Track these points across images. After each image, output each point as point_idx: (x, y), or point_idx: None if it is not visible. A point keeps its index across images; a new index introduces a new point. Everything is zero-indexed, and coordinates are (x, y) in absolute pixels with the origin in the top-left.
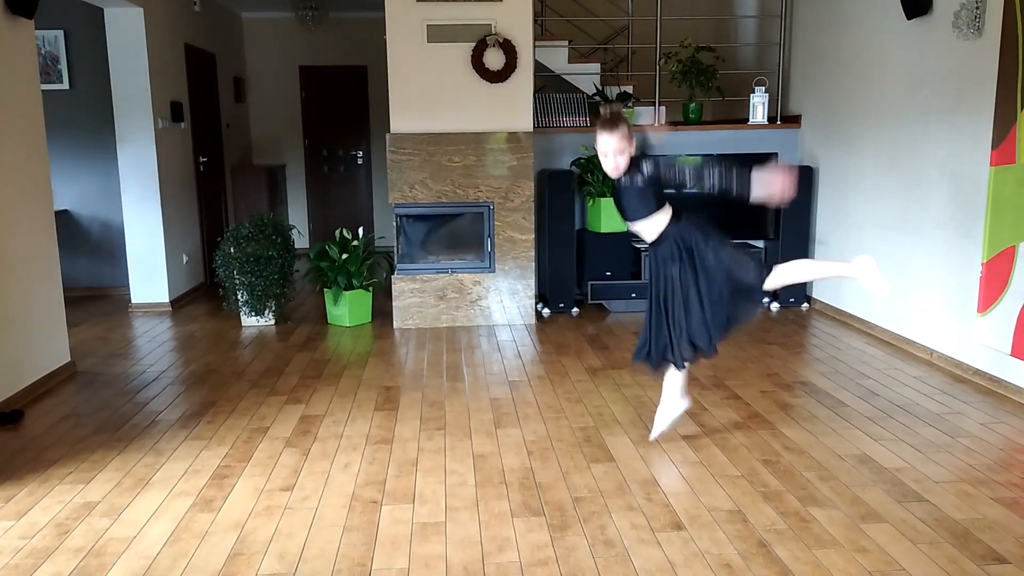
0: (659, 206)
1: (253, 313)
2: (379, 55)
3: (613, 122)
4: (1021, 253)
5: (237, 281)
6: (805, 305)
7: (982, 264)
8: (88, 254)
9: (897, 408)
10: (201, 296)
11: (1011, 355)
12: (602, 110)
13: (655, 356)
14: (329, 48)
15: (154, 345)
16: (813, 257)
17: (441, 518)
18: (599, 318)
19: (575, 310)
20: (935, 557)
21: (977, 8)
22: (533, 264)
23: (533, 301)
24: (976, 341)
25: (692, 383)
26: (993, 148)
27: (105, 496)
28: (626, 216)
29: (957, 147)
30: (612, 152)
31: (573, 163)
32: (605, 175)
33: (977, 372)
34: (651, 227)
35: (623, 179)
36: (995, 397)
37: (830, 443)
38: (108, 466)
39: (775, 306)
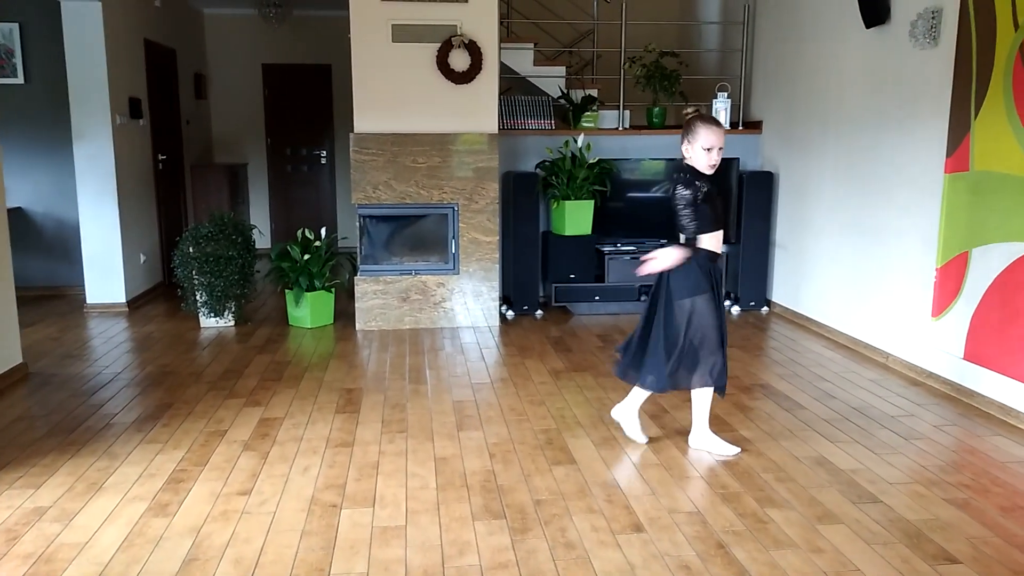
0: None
1: (212, 314)
2: (343, 54)
3: (717, 119)
4: (974, 258)
5: (196, 281)
6: (765, 309)
7: (936, 269)
8: (42, 253)
9: (853, 410)
10: (159, 296)
11: (964, 359)
12: (691, 110)
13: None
14: (293, 46)
15: (110, 346)
16: (773, 262)
17: (401, 521)
18: (563, 320)
19: (539, 312)
20: (889, 557)
21: (933, 18)
22: (498, 266)
23: (497, 303)
24: (930, 345)
25: None
26: (948, 155)
27: (56, 501)
28: (716, 224)
29: (913, 154)
30: (717, 148)
31: (538, 166)
32: (570, 178)
33: (931, 375)
34: (721, 239)
35: (711, 187)
36: (948, 400)
37: (787, 445)
38: (60, 470)
39: (736, 309)
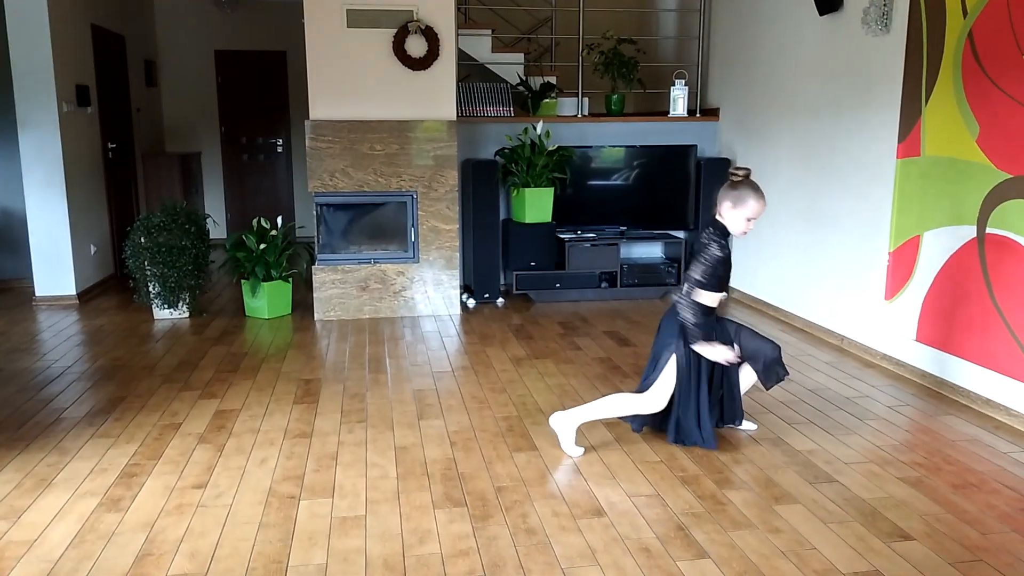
0: None
1: (166, 305)
2: (298, 40)
3: (760, 190)
4: (925, 242)
5: (148, 272)
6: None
7: (889, 253)
8: None
9: (809, 392)
10: (110, 288)
11: (916, 340)
12: (738, 173)
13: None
14: (246, 32)
15: (59, 339)
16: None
17: (361, 511)
18: (524, 308)
19: (500, 300)
20: (844, 536)
21: (885, 5)
22: (458, 254)
23: (458, 292)
24: (884, 327)
25: (615, 371)
26: (899, 141)
27: (3, 498)
28: (721, 287)
29: (866, 140)
30: (756, 218)
31: (497, 153)
32: (529, 165)
33: (885, 357)
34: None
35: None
36: (901, 381)
37: (745, 426)
38: (7, 466)
39: None
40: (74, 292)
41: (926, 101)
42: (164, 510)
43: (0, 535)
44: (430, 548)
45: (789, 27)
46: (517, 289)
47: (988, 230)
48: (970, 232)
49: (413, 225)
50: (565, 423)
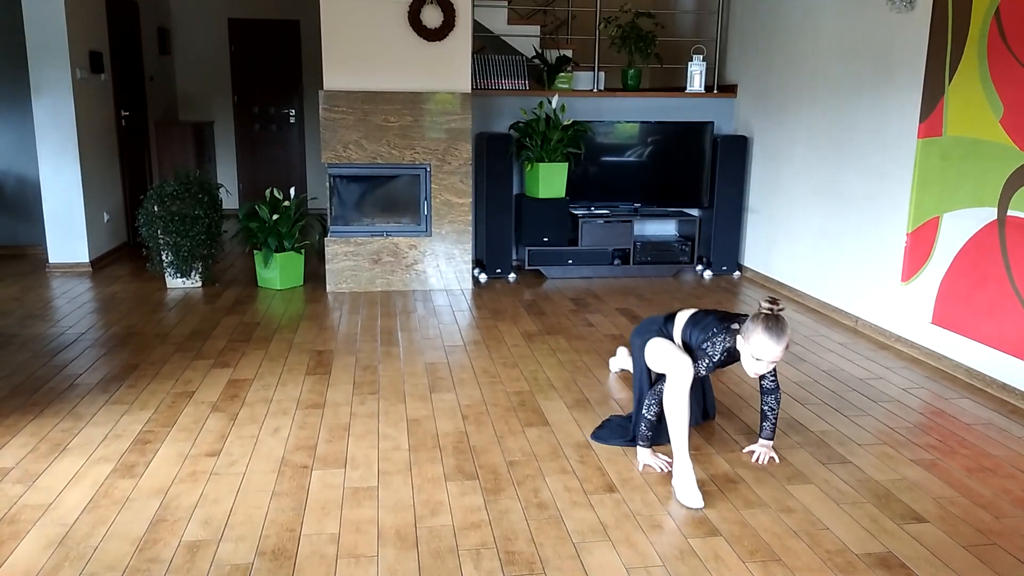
0: None
1: (178, 274)
2: (312, 9)
3: (783, 328)
4: (944, 224)
5: (161, 241)
6: (737, 273)
7: (907, 234)
8: (2, 211)
9: (823, 373)
10: (123, 257)
11: (932, 323)
12: (768, 305)
13: None
14: (260, 0)
15: (73, 306)
16: (746, 226)
17: (373, 482)
18: (536, 284)
19: (512, 276)
20: (857, 517)
21: None
22: (470, 228)
23: (470, 266)
24: (899, 309)
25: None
26: (921, 120)
27: (19, 462)
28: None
29: (886, 119)
30: (767, 360)
31: (512, 127)
32: (544, 140)
33: (899, 339)
34: None
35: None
36: (916, 363)
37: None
38: (22, 431)
39: (708, 274)
40: (87, 260)
41: (950, 80)
42: (178, 477)
43: (15, 499)
44: (442, 520)
45: (810, 2)
46: (529, 265)
47: (1009, 212)
48: (991, 214)
49: (426, 198)
50: (683, 482)
